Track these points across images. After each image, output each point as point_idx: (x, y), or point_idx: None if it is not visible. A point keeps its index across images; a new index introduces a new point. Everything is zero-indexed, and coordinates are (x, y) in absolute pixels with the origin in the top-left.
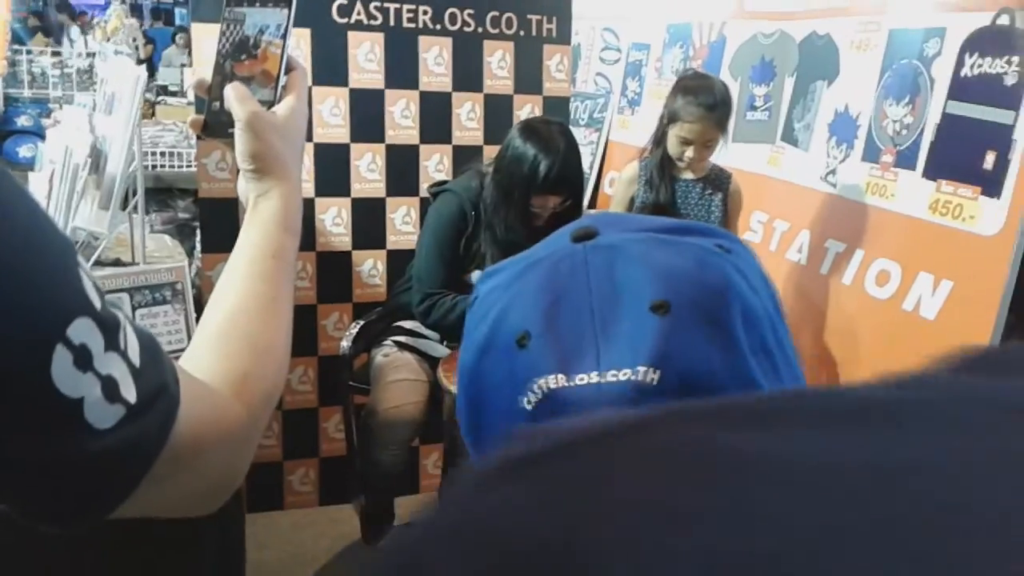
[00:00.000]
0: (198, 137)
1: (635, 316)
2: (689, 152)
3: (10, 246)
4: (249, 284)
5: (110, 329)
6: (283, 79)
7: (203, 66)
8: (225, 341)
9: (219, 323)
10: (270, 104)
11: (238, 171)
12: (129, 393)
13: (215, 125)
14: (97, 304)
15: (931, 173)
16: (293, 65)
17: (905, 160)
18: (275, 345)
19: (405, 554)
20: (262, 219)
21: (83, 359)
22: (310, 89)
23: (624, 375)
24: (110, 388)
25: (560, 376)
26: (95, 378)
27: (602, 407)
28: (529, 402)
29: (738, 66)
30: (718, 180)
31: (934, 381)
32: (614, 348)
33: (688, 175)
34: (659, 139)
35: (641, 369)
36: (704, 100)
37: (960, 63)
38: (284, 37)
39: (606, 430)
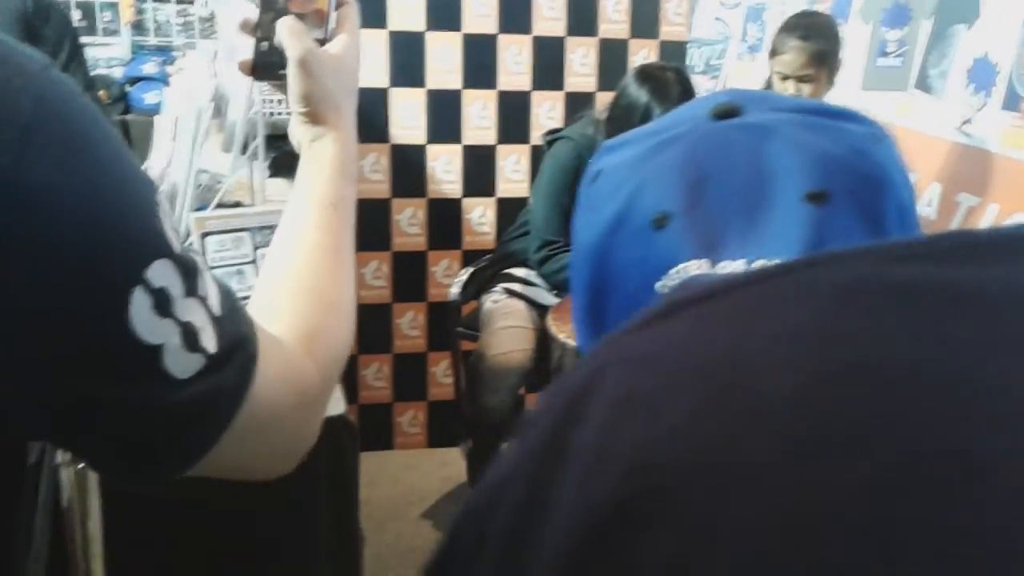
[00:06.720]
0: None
1: (787, 204)
2: (790, 88)
3: (90, 182)
4: (312, 235)
5: (190, 273)
6: (333, 15)
7: None
8: (292, 297)
9: (285, 277)
10: (322, 43)
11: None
12: (209, 343)
13: (264, 66)
14: (176, 247)
15: None
16: (343, 0)
17: None
18: (342, 300)
19: (575, 378)
20: (319, 166)
21: (162, 304)
22: (424, 35)
23: None
24: (190, 336)
25: (704, 262)
26: (175, 324)
27: None
28: (665, 287)
29: (869, 9)
30: None
31: None
32: (762, 236)
33: None
34: (768, 83)
35: None
36: (800, 32)
37: None
38: None
39: (750, 275)
